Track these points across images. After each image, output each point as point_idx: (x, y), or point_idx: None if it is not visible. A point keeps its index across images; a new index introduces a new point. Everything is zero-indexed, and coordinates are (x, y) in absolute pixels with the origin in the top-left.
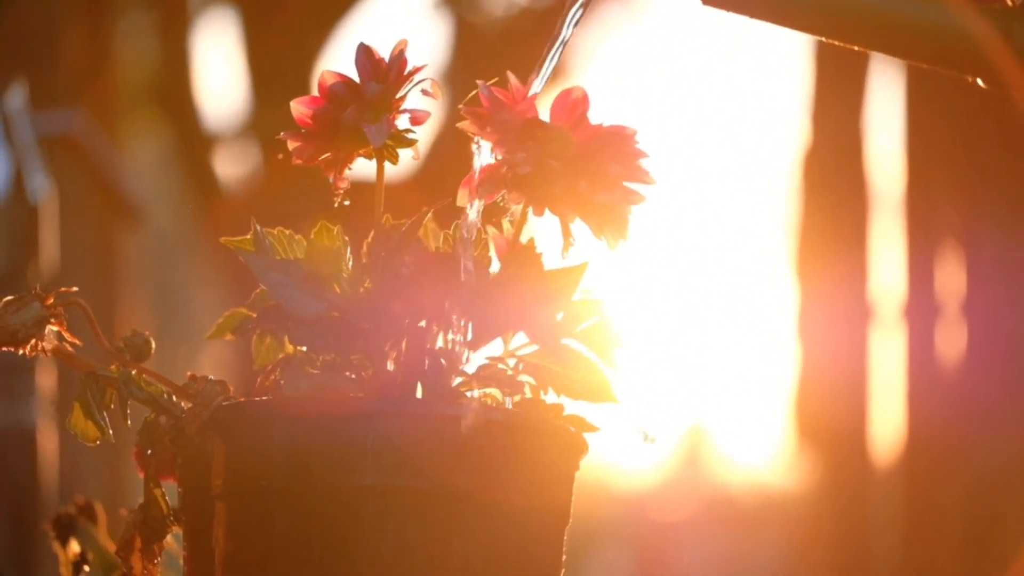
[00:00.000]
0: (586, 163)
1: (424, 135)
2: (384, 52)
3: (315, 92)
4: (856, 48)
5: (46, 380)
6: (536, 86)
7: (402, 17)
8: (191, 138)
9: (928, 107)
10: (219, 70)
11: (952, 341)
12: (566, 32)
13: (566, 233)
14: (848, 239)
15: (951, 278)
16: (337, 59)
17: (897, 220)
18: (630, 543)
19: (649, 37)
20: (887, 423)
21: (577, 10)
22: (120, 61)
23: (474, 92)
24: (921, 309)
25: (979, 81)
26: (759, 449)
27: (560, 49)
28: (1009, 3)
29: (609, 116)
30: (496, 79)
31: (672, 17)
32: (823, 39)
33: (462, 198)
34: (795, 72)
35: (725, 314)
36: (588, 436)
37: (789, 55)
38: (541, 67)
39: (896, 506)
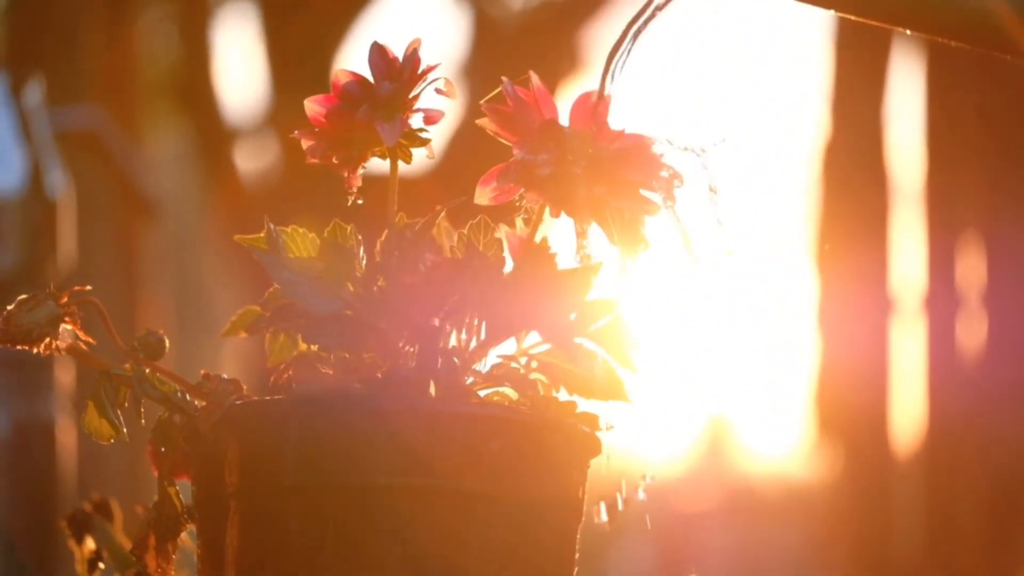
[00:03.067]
0: (606, 169)
1: (441, 131)
2: (399, 50)
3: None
4: (884, 25)
5: (65, 376)
6: (603, 94)
7: (422, 10)
8: (210, 134)
9: (948, 97)
10: (238, 65)
11: (973, 332)
12: (629, 43)
13: (580, 235)
14: (869, 230)
15: (972, 269)
16: (357, 53)
17: (918, 211)
18: (652, 534)
19: (669, 29)
20: (908, 414)
21: (645, 20)
22: (139, 56)
23: (497, 90)
24: (942, 300)
25: None
26: (781, 440)
27: (625, 57)
28: None
29: (630, 118)
30: (521, 77)
31: (691, 9)
32: (843, 15)
33: (480, 196)
34: (815, 63)
35: (746, 306)
36: (602, 433)
37: (809, 46)
38: (604, 78)
39: (917, 496)
